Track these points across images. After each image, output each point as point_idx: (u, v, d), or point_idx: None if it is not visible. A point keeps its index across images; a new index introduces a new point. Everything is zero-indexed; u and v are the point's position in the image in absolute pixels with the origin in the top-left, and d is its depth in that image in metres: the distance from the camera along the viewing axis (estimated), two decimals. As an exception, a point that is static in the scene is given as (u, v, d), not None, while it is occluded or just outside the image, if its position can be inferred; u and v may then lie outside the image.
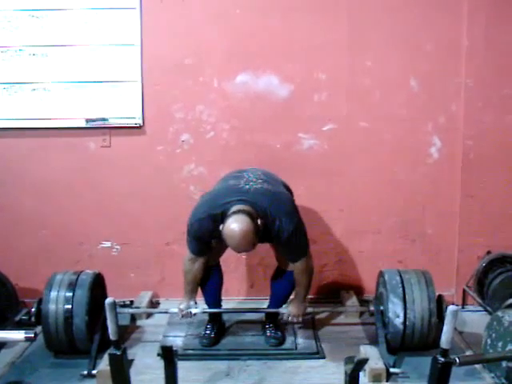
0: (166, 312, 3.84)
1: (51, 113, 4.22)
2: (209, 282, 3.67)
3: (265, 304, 3.83)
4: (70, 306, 3.49)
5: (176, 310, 3.65)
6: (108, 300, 2.87)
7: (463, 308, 4.29)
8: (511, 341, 3.00)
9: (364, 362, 2.85)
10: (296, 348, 3.62)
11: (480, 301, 4.14)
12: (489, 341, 3.22)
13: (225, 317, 3.85)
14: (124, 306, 4.16)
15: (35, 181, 4.31)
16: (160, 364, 3.02)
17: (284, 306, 3.69)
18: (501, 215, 4.33)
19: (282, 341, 3.67)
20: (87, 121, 4.23)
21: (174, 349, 2.99)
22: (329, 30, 4.18)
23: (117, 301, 2.97)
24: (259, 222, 3.13)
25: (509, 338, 3.02)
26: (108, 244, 4.29)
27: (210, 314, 3.76)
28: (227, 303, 3.87)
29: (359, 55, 4.20)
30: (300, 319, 3.65)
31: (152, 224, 4.38)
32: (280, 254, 3.60)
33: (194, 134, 4.25)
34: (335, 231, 4.43)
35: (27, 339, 2.99)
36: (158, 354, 3.50)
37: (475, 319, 4.08)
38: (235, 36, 4.19)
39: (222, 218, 3.15)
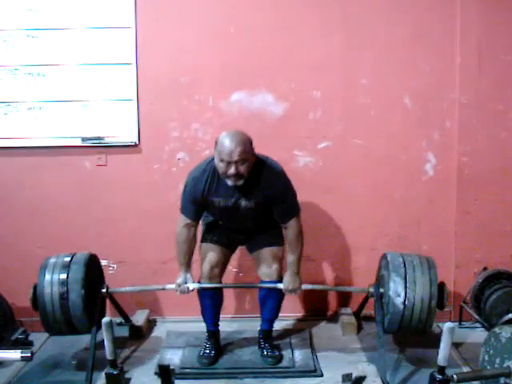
0: (163, 289, 3.78)
1: (47, 131, 4.23)
2: (210, 303, 3.69)
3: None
4: (65, 276, 3.51)
5: (173, 286, 3.63)
6: (105, 319, 2.88)
7: (460, 324, 4.28)
8: (509, 357, 2.99)
9: (361, 379, 2.86)
10: (293, 366, 3.60)
11: (477, 317, 4.14)
12: (486, 357, 3.21)
13: (222, 335, 3.83)
14: (121, 324, 4.13)
15: (31, 199, 4.31)
16: (157, 383, 3.02)
17: (279, 284, 3.62)
18: (496, 231, 4.34)
19: (279, 359, 3.65)
20: (83, 139, 4.24)
21: (172, 367, 2.99)
22: (324, 48, 4.20)
23: (113, 320, 2.97)
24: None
25: (506, 355, 3.01)
26: (105, 262, 4.27)
27: (209, 333, 3.75)
28: (223, 321, 3.86)
29: (354, 73, 4.23)
30: (298, 292, 3.66)
31: (148, 242, 4.38)
32: (264, 237, 3.66)
33: (190, 152, 4.27)
34: (331, 248, 4.43)
35: (23, 359, 2.95)
36: (156, 373, 3.47)
37: (472, 335, 4.08)
38: (230, 54, 4.21)
39: (215, 167, 3.36)
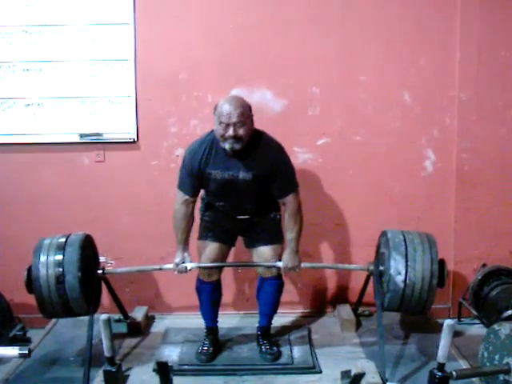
0: (160, 269, 3.76)
1: (45, 128, 4.22)
2: (208, 299, 3.68)
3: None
4: (60, 258, 3.45)
5: (171, 266, 3.60)
6: (103, 316, 2.86)
7: (460, 321, 4.28)
8: (508, 354, 2.99)
9: (360, 376, 2.85)
10: (292, 362, 3.58)
11: (476, 313, 4.14)
12: (485, 354, 3.21)
13: (220, 332, 3.82)
14: (119, 321, 4.12)
15: (29, 196, 4.30)
16: (156, 380, 3.01)
17: (279, 262, 3.58)
18: (496, 228, 4.35)
19: (277, 356, 3.63)
20: (81, 136, 4.23)
21: (170, 364, 2.98)
22: (322, 45, 4.20)
23: (111, 316, 2.96)
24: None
25: (505, 351, 3.01)
26: (102, 259, 4.26)
27: (208, 329, 3.73)
28: (222, 317, 3.85)
29: (353, 69, 4.22)
30: (297, 271, 3.62)
31: (146, 239, 4.37)
32: (263, 234, 3.61)
33: (189, 149, 4.26)
34: (330, 244, 4.43)
35: (21, 355, 2.94)
36: (154, 370, 3.45)
37: (472, 332, 4.08)
38: (229, 51, 4.20)
39: (213, 139, 3.35)
